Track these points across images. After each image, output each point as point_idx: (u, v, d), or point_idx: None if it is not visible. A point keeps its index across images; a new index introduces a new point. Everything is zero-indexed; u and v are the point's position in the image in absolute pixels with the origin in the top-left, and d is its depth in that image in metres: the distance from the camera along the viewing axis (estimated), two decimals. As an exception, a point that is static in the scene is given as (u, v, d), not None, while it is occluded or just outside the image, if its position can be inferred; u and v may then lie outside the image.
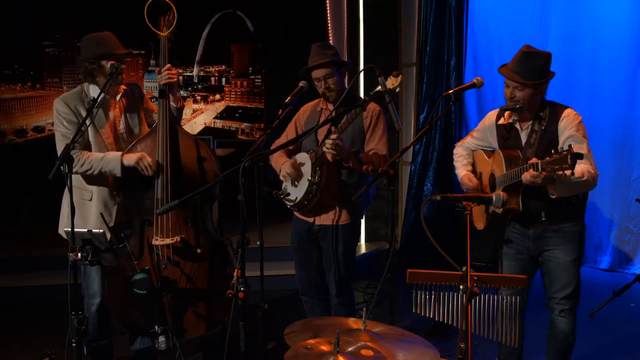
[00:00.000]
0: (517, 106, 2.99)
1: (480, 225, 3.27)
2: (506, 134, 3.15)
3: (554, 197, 2.90)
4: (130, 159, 3.28)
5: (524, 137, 3.07)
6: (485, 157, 3.27)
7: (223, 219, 5.11)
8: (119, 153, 3.31)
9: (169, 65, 3.41)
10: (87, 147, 3.35)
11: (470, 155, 3.40)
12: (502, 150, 3.10)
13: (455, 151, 3.48)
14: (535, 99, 3.01)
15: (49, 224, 3.83)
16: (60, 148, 3.27)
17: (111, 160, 3.29)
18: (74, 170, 3.25)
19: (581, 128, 2.97)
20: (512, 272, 3.14)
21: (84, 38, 3.38)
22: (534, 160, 2.74)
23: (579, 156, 2.52)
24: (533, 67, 2.96)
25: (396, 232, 6.27)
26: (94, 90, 3.34)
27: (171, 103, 3.41)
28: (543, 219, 3.05)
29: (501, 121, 3.17)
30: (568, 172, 2.54)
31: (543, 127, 2.99)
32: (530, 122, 3.06)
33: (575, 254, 3.09)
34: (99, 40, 3.32)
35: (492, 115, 3.28)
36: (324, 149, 3.19)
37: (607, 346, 4.19)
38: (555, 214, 3.03)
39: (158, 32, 3.45)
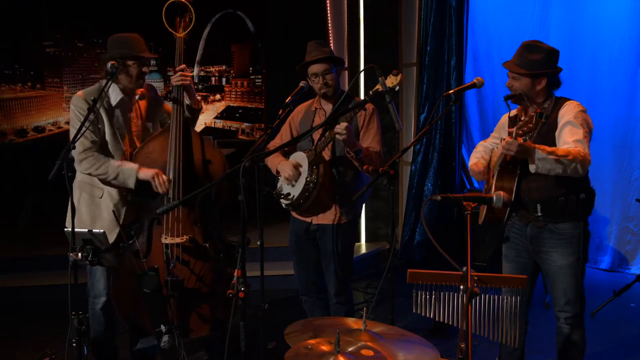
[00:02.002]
0: (517, 94, 3.01)
1: (479, 219, 3.27)
2: (514, 126, 3.16)
3: (533, 171, 2.84)
4: (146, 173, 3.26)
5: None
6: (497, 151, 3.29)
7: (223, 219, 5.11)
8: (136, 165, 3.28)
9: (184, 65, 3.40)
10: (103, 147, 3.33)
11: (487, 152, 3.40)
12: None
13: (475, 149, 3.49)
14: (534, 90, 3.02)
15: (49, 224, 3.84)
16: (77, 146, 3.20)
17: (126, 171, 3.27)
18: (88, 171, 3.28)
19: (580, 116, 2.95)
20: (513, 274, 3.13)
21: (110, 37, 3.35)
22: (512, 129, 2.78)
23: (541, 115, 2.58)
24: (529, 59, 3.00)
25: (396, 232, 6.27)
26: (113, 89, 3.32)
27: (187, 102, 3.41)
28: (539, 213, 3.02)
29: (512, 113, 3.20)
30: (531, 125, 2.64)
31: (544, 115, 2.98)
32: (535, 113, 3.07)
33: (573, 257, 3.02)
34: (126, 41, 3.31)
35: (507, 114, 3.32)
36: (335, 133, 3.14)
37: (607, 346, 4.18)
38: (551, 210, 3.00)
39: (175, 32, 3.44)
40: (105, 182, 3.34)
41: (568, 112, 2.96)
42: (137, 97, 3.45)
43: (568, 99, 3.06)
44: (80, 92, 3.36)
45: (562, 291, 3.06)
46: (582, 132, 2.91)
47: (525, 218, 3.09)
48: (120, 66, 3.26)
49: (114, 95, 3.33)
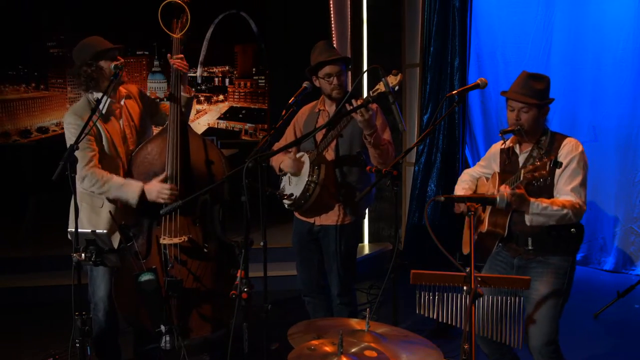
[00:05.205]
0: (517, 128, 2.92)
1: (466, 249, 3.19)
2: (507, 159, 3.09)
3: (528, 223, 2.81)
4: (150, 193, 3.25)
5: (521, 161, 3.01)
6: (485, 181, 3.23)
7: (226, 220, 5.12)
8: (140, 185, 3.26)
9: (182, 55, 3.42)
10: (102, 157, 3.31)
11: (473, 182, 3.32)
12: (499, 173, 3.05)
13: (460, 178, 3.41)
14: (538, 121, 2.94)
15: (53, 224, 3.85)
16: (81, 161, 3.18)
17: (130, 192, 3.26)
18: (91, 189, 3.25)
19: (581, 159, 2.89)
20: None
21: (74, 48, 3.34)
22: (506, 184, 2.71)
23: (558, 165, 2.53)
24: (537, 88, 2.92)
25: (399, 233, 6.26)
26: (100, 96, 3.28)
27: (183, 94, 3.41)
28: (529, 247, 2.94)
29: (504, 145, 3.11)
30: (545, 172, 2.55)
31: (542, 152, 2.91)
32: (530, 147, 2.99)
33: (556, 288, 2.89)
34: (90, 43, 3.30)
35: (498, 144, 3.22)
36: (358, 117, 3.11)
37: (611, 347, 4.17)
38: (542, 244, 2.92)
39: (171, 34, 3.45)
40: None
41: (569, 155, 2.88)
42: (122, 100, 3.41)
43: (564, 136, 2.97)
44: (69, 111, 3.34)
45: (537, 325, 2.91)
46: (580, 178, 2.86)
47: (514, 251, 3.01)
48: (96, 69, 3.24)
49: (103, 101, 3.28)
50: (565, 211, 2.77)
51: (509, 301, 2.65)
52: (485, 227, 2.95)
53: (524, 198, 2.73)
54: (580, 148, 2.91)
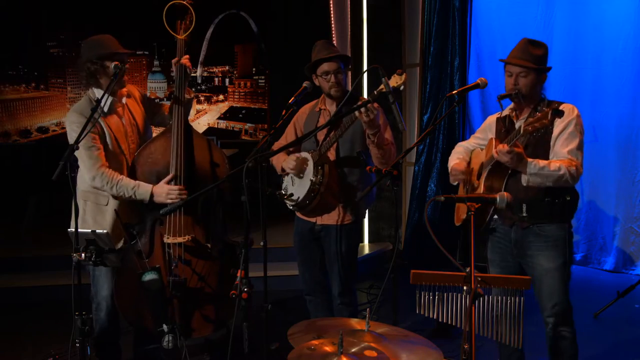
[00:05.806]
0: (514, 93, 2.96)
1: (458, 220, 3.23)
2: (504, 127, 3.12)
3: (525, 183, 2.85)
4: (159, 195, 3.27)
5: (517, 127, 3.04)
6: (480, 151, 3.26)
7: (226, 220, 5.12)
8: (150, 187, 3.29)
9: (188, 56, 3.45)
10: (106, 154, 3.31)
11: (467, 154, 3.35)
12: (496, 139, 3.06)
13: (454, 150, 3.43)
14: (536, 87, 2.99)
15: (53, 224, 3.85)
16: (85, 161, 3.23)
17: (142, 192, 3.28)
18: (103, 189, 3.26)
19: (578, 123, 2.93)
20: None
21: (84, 41, 3.35)
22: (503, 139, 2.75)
23: (560, 114, 2.54)
24: (536, 54, 2.96)
25: (400, 232, 6.27)
26: (100, 94, 3.29)
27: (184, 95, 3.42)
28: (524, 214, 2.97)
29: (500, 115, 3.15)
30: (546, 121, 2.57)
31: None
32: (527, 114, 3.02)
33: (560, 260, 2.96)
34: (101, 42, 3.31)
35: (493, 115, 3.27)
36: (363, 117, 3.08)
37: (611, 347, 4.17)
38: (537, 210, 2.95)
39: (175, 35, 3.46)
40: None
41: (565, 118, 2.90)
42: (124, 99, 3.42)
43: (561, 102, 3.00)
44: (71, 110, 3.34)
45: (548, 295, 3.00)
46: (577, 141, 2.90)
47: (509, 219, 3.04)
48: (99, 68, 3.25)
49: (104, 100, 3.27)
50: (562, 172, 2.81)
51: (509, 301, 2.65)
52: (481, 191, 2.97)
53: (522, 157, 2.76)
54: (577, 112, 2.95)
